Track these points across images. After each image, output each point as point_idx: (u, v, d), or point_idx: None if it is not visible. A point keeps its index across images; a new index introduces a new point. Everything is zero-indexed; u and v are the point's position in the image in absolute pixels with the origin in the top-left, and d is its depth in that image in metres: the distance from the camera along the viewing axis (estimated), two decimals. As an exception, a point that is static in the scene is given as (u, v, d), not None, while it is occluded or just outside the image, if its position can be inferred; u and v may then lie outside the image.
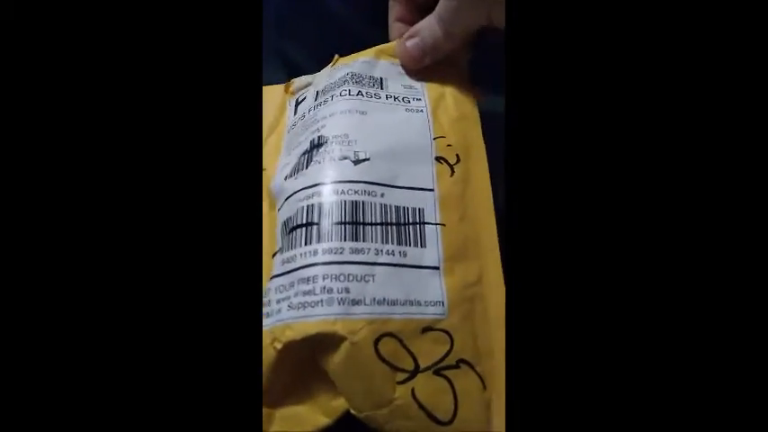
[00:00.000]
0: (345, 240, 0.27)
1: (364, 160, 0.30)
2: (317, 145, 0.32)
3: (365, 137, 0.32)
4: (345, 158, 0.30)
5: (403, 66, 0.35)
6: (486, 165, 0.31)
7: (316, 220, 0.28)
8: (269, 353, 0.26)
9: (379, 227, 0.28)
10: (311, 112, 0.35)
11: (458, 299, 0.27)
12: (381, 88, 0.35)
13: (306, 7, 0.45)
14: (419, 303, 0.26)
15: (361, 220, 0.28)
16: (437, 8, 0.30)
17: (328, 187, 0.29)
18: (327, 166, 0.30)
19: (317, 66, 0.38)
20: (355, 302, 0.25)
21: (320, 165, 0.31)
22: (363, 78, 0.35)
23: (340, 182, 0.29)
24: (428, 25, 0.31)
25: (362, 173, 0.30)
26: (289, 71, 0.45)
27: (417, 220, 0.28)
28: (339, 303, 0.25)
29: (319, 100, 0.35)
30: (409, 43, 0.32)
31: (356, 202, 0.28)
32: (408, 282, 0.27)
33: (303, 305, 0.26)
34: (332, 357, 0.25)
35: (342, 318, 0.25)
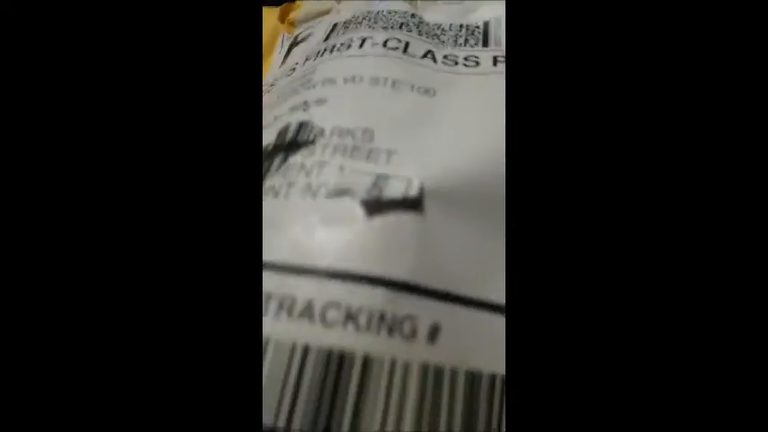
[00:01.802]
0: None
1: (413, 202, 0.11)
2: (294, 143, 0.13)
3: (411, 142, 0.13)
4: (348, 196, 0.11)
5: None
6: None
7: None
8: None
9: None
10: (308, 62, 0.16)
11: None
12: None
13: None
14: None
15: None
16: None
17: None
18: (298, 212, 0.12)
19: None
20: None
21: (286, 201, 0.12)
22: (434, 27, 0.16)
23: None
24: None
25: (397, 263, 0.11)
26: None
27: None
28: None
29: (332, 41, 0.16)
30: None
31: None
32: None
33: None
34: None
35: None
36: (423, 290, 0.10)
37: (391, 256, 0.10)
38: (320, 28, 0.18)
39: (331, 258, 0.10)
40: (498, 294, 0.11)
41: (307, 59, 0.17)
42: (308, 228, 0.11)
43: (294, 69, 0.17)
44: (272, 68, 0.20)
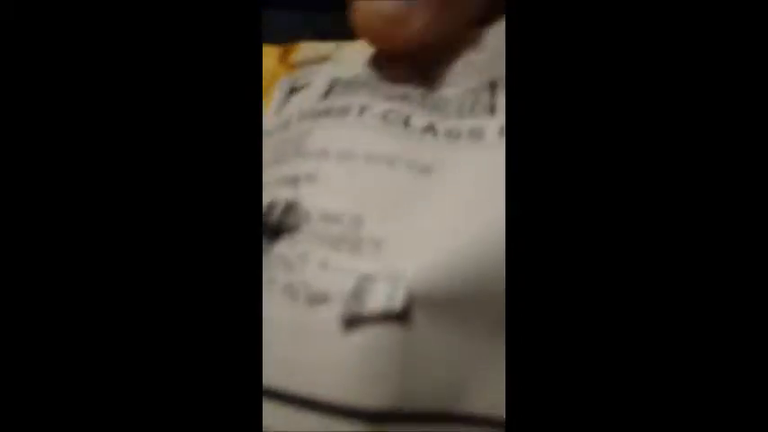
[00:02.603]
0: None
1: (398, 314, 0.10)
2: (279, 227, 0.12)
3: (401, 231, 0.12)
4: (326, 305, 0.10)
5: None
6: None
7: None
8: None
9: None
10: (302, 123, 0.15)
11: None
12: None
13: None
14: None
15: None
16: None
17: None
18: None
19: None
20: None
21: (266, 304, 0.11)
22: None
23: None
24: None
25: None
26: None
27: None
28: None
29: (330, 102, 0.15)
30: None
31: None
32: None
33: None
34: None
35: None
36: (407, 416, 0.10)
37: (371, 382, 0.10)
38: (320, 78, 0.17)
39: (303, 383, 0.10)
40: (484, 404, 0.10)
41: (302, 117, 0.16)
42: (283, 341, 0.10)
43: (288, 124, 0.16)
44: (269, 114, 0.19)
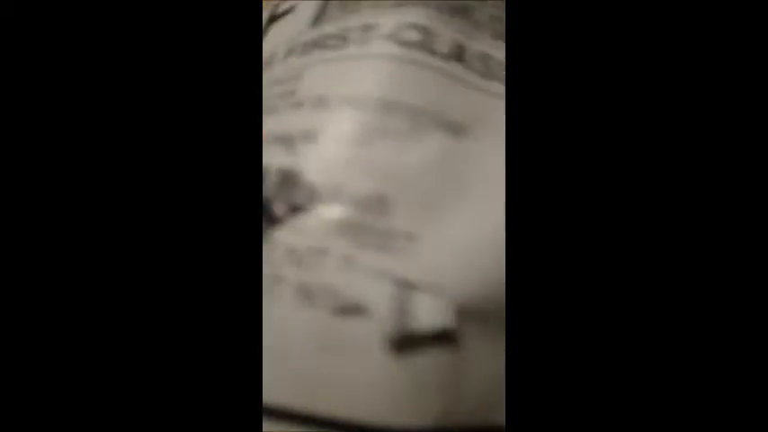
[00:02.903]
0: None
1: (447, 335, 0.08)
2: (275, 205, 0.09)
3: (435, 222, 0.09)
4: (365, 317, 0.08)
5: None
6: None
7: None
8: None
9: None
10: (290, 59, 0.12)
11: None
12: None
13: None
14: None
15: None
16: None
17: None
18: None
19: None
20: None
21: (275, 309, 0.08)
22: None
23: None
24: None
25: None
26: None
27: None
28: None
29: (323, 29, 0.12)
30: None
31: None
32: None
33: None
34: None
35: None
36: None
37: (418, 403, 0.08)
38: (306, 2, 0.14)
39: (339, 404, 0.07)
40: None
41: (289, 52, 0.12)
42: (302, 354, 0.08)
43: (272, 61, 0.13)
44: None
